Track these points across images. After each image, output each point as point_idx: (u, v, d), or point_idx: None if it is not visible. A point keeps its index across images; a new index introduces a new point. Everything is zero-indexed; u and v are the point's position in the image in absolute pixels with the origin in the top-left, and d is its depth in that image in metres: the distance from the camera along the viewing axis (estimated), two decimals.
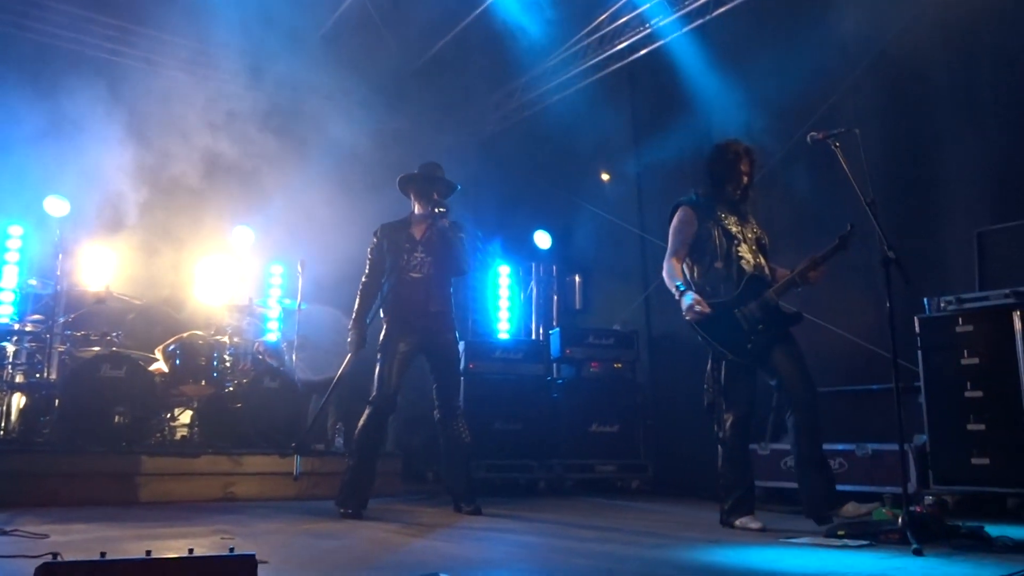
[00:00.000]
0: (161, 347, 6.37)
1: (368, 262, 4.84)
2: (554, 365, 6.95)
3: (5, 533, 3.39)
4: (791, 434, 4.03)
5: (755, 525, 3.87)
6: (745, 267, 4.09)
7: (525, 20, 7.31)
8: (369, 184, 7.52)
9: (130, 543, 3.30)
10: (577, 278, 8.19)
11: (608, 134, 7.91)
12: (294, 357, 6.95)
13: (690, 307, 4.00)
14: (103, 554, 1.87)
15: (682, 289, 4.08)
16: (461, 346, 5.40)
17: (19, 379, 5.93)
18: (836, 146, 3.78)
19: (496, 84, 8.74)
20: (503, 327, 8.66)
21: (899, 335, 3.52)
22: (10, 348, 6.02)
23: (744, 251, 4.13)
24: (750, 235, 4.21)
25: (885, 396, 5.02)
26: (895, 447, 3.67)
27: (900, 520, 3.29)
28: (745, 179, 4.22)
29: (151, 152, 7.01)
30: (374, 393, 4.59)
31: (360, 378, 5.35)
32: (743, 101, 6.34)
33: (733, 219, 4.20)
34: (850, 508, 3.90)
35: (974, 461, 4.35)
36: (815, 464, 3.97)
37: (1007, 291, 4.41)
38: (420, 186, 4.83)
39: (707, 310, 3.97)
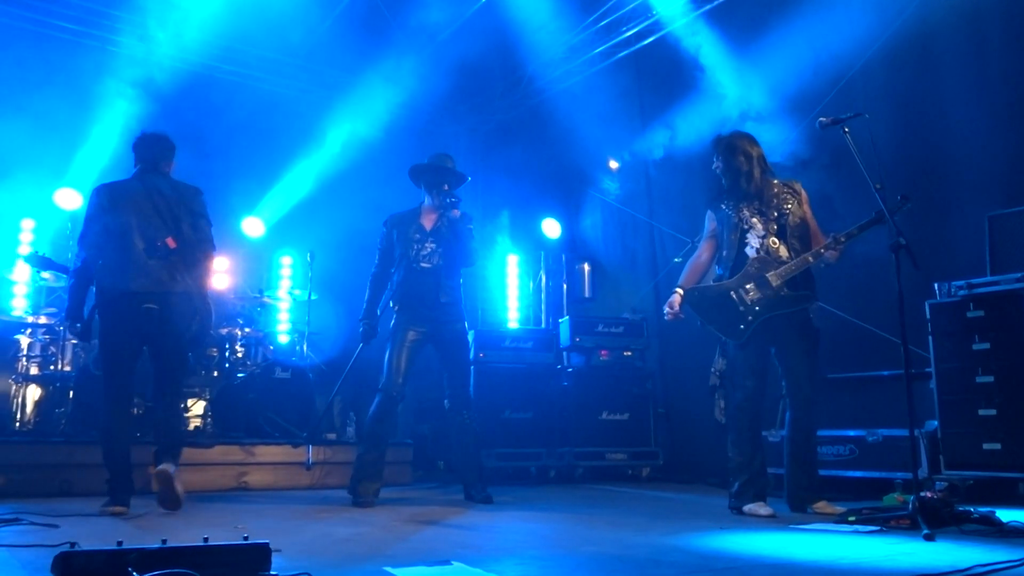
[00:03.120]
0: None
1: (378, 252, 4.87)
2: (564, 354, 6.95)
3: (18, 523, 3.44)
4: (787, 426, 4.16)
5: (764, 511, 3.88)
6: (749, 252, 4.14)
7: (532, 7, 7.27)
8: (378, 173, 7.54)
9: (145, 532, 3.35)
10: (586, 266, 8.18)
11: (616, 121, 7.88)
12: (304, 347, 6.99)
13: (667, 303, 4.25)
14: (120, 543, 1.90)
15: (674, 289, 4.28)
16: (471, 336, 5.42)
17: (33, 371, 5.99)
18: (845, 131, 3.77)
19: (503, 73, 8.72)
20: (512, 316, 8.67)
21: (909, 320, 3.51)
22: (24, 341, 6.08)
23: (752, 238, 4.16)
24: (770, 218, 4.18)
25: (896, 382, 5.00)
26: (906, 433, 3.67)
27: (911, 506, 3.29)
28: (745, 168, 4.22)
29: None
30: (383, 381, 4.61)
31: (372, 368, 5.38)
32: (752, 86, 6.30)
33: (746, 207, 4.22)
34: (822, 505, 4.00)
35: (985, 446, 4.33)
36: (804, 459, 4.09)
37: (1018, 275, 4.38)
38: (430, 177, 4.84)
39: (674, 311, 4.18)
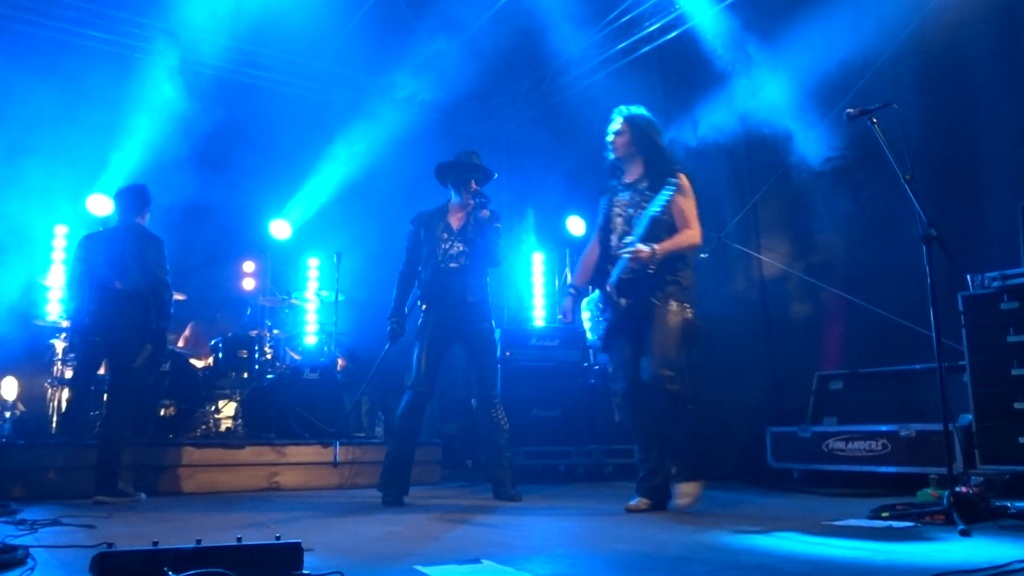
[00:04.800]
0: (189, 328, 6.62)
1: (405, 250, 4.88)
2: (590, 351, 6.94)
3: (56, 524, 3.50)
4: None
5: (634, 503, 4.01)
6: (610, 253, 4.12)
7: (553, 5, 7.26)
8: (403, 173, 7.57)
9: (180, 533, 3.39)
10: None
11: None
12: (332, 348, 7.05)
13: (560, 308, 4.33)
14: (155, 543, 1.93)
15: (569, 290, 4.33)
16: (497, 334, 5.43)
17: (68, 375, 6.09)
18: (873, 122, 3.71)
19: (527, 70, 8.71)
20: (538, 314, 8.67)
21: (942, 313, 3.45)
22: (59, 345, 6.19)
23: (614, 238, 4.07)
24: (628, 217, 4.01)
25: (928, 376, 4.93)
26: (939, 427, 3.61)
27: (945, 501, 3.24)
28: (656, 156, 4.06)
29: (189, 147, 7.13)
30: (411, 379, 4.63)
31: (400, 367, 5.42)
32: (777, 79, 6.23)
33: (622, 200, 4.10)
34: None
35: (1021, 440, 4.24)
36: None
37: None
38: (457, 174, 4.83)
39: (567, 320, 4.27)
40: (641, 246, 3.85)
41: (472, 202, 4.73)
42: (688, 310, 3.94)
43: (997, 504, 3.36)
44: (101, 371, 6.04)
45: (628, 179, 4.13)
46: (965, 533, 2.94)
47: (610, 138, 4.16)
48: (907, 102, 5.18)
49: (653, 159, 4.06)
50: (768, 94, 6.25)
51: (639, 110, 4.18)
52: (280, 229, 8.25)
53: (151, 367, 5.02)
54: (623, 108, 4.18)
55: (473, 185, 4.75)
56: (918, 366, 5.12)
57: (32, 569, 2.40)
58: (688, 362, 3.95)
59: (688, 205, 3.99)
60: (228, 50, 7.65)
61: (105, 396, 5.70)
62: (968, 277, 4.62)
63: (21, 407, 6.08)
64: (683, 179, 3.96)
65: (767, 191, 6.52)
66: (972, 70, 5.34)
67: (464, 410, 6.91)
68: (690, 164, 7.19)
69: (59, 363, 6.14)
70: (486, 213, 4.70)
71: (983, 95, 5.27)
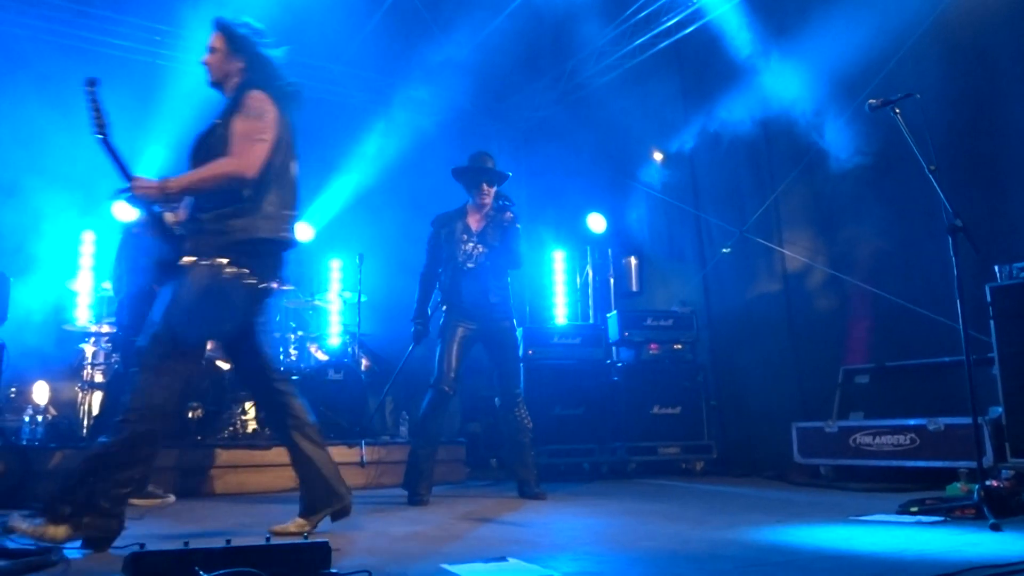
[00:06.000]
0: None
1: (426, 252, 4.92)
2: (613, 348, 6.92)
3: None
4: None
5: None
6: None
7: (570, 2, 7.25)
8: (423, 174, 7.59)
9: (209, 533, 3.43)
10: (633, 260, 8.13)
11: (659, 113, 7.82)
12: (356, 349, 7.09)
13: None
14: (186, 543, 1.96)
15: None
16: (519, 333, 5.44)
17: (99, 379, 6.18)
18: (896, 112, 3.68)
19: (544, 68, 8.71)
20: (560, 312, 8.67)
21: (969, 305, 3.42)
22: (89, 349, 6.28)
23: None
24: None
25: (957, 369, 4.87)
26: (968, 421, 3.57)
27: (975, 495, 3.21)
28: (211, 76, 3.44)
29: None
30: (435, 377, 4.66)
31: (423, 368, 5.44)
32: (797, 71, 6.18)
33: None
34: None
35: None
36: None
37: None
38: (470, 177, 4.87)
39: None
40: (143, 181, 3.08)
41: (488, 204, 4.76)
42: (226, 268, 3.03)
43: None
44: None
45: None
46: (996, 527, 2.91)
47: (204, 58, 3.37)
48: (930, 92, 5.10)
49: (249, 80, 3.25)
50: (788, 87, 6.20)
51: (243, 21, 3.36)
52: (302, 231, 8.31)
53: None
54: (219, 18, 3.37)
55: (485, 187, 4.78)
56: (946, 359, 5.06)
57: (66, 571, 2.45)
58: (208, 332, 3.14)
59: (245, 127, 3.06)
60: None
61: None
62: (996, 268, 4.56)
63: (53, 411, 6.18)
64: (253, 95, 3.14)
65: (788, 184, 6.47)
66: (996, 58, 5.27)
67: (487, 409, 6.93)
68: (706, 156, 7.23)
69: (89, 367, 6.23)
70: (509, 216, 4.74)
71: (1007, 83, 5.20)
